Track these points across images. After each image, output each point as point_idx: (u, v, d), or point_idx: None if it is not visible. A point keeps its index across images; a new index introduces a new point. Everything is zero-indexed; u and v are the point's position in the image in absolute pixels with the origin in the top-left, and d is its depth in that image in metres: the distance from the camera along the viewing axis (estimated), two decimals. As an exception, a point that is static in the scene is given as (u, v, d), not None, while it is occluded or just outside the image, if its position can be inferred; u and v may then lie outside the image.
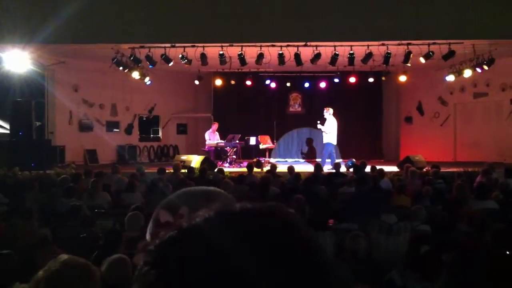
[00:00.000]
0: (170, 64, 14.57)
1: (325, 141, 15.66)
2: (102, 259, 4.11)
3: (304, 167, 15.35)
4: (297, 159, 19.42)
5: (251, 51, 14.15)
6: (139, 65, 15.29)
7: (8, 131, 16.14)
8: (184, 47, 13.99)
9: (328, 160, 15.25)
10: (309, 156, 19.66)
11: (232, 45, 13.77)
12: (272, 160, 16.92)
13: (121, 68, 15.09)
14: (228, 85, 19.34)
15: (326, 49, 13.92)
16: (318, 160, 16.50)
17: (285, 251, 0.70)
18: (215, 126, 17.21)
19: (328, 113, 15.71)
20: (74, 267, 2.39)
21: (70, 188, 8.84)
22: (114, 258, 4.03)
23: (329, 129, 15.49)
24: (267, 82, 19.46)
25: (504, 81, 17.38)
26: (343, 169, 13.19)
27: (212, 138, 16.86)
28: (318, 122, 15.72)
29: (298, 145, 20.49)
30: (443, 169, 12.54)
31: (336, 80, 18.75)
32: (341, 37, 13.34)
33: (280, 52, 14.06)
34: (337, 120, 19.37)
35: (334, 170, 12.69)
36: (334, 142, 15.62)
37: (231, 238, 0.70)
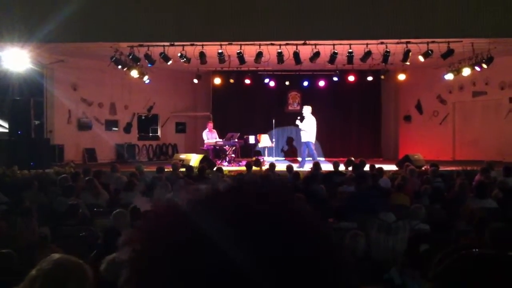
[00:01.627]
0: (169, 63, 14.57)
1: (305, 139, 15.61)
2: (101, 258, 4.12)
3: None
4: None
5: (250, 50, 14.15)
6: (138, 63, 15.28)
7: (7, 130, 16.12)
8: (183, 45, 13.97)
9: (308, 159, 15.31)
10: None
11: (231, 44, 13.77)
12: (271, 158, 16.91)
13: (120, 66, 15.07)
14: (227, 84, 19.32)
15: (325, 47, 13.92)
16: (299, 159, 16.50)
17: (296, 250, 0.68)
18: (210, 124, 17.21)
19: (308, 111, 15.74)
20: (67, 266, 2.40)
21: (69, 187, 8.84)
22: (113, 257, 4.04)
23: (308, 127, 15.49)
24: (266, 80, 19.44)
25: (503, 80, 17.39)
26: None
27: (210, 137, 16.85)
28: (298, 118, 15.72)
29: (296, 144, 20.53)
30: (442, 168, 12.55)
31: (335, 79, 18.74)
32: (340, 36, 13.34)
33: (279, 50, 14.05)
34: (336, 118, 19.46)
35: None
36: (313, 140, 15.64)
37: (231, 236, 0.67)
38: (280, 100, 20.78)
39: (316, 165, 12.17)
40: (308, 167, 13.75)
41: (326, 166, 14.14)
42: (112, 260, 4.01)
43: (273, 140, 17.72)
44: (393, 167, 14.41)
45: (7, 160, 13.68)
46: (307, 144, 15.56)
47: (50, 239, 5.90)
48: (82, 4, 12.28)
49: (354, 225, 6.65)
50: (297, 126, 15.82)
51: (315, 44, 13.93)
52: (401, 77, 17.89)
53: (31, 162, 14.03)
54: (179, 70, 18.20)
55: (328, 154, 19.21)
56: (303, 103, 20.56)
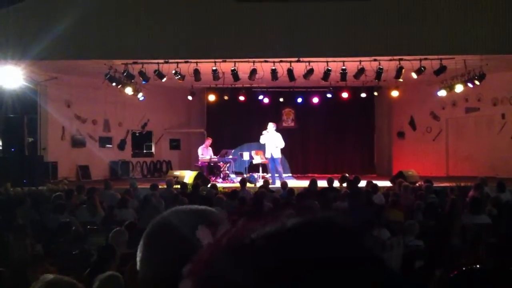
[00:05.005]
0: (163, 80, 14.58)
1: (276, 156, 15.66)
2: (94, 276, 4.08)
3: (297, 182, 15.38)
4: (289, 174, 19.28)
5: (244, 67, 14.19)
6: (132, 80, 15.29)
7: (0, 147, 16.05)
8: (178, 62, 14.01)
9: (276, 175, 15.54)
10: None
11: (225, 61, 13.83)
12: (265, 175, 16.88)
13: (114, 84, 15.05)
14: (221, 101, 19.34)
15: (319, 64, 13.99)
16: (267, 175, 16.40)
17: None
18: (208, 141, 17.21)
19: (273, 128, 15.83)
20: (60, 287, 2.37)
21: (61, 205, 8.80)
22: (106, 276, 4.00)
23: (276, 143, 15.62)
24: (260, 97, 19.48)
25: (495, 96, 17.50)
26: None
27: (205, 153, 16.84)
28: (266, 131, 15.77)
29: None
30: (435, 184, 12.55)
31: (329, 96, 18.79)
32: (333, 53, 13.43)
33: (273, 67, 14.11)
34: (330, 135, 19.61)
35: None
36: (280, 156, 15.81)
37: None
38: (274, 116, 20.74)
39: (312, 182, 12.17)
40: (278, 183, 13.74)
41: (294, 183, 14.56)
42: (105, 278, 3.98)
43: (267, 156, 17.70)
44: (387, 183, 14.39)
45: (0, 178, 13.60)
46: (275, 160, 15.61)
47: (42, 257, 5.84)
48: (76, 21, 12.32)
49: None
50: (261, 142, 15.95)
51: (309, 61, 13.99)
52: (394, 93, 17.97)
53: (24, 179, 13.94)
54: (173, 87, 18.21)
55: (322, 170, 19.24)
56: (297, 119, 20.66)
